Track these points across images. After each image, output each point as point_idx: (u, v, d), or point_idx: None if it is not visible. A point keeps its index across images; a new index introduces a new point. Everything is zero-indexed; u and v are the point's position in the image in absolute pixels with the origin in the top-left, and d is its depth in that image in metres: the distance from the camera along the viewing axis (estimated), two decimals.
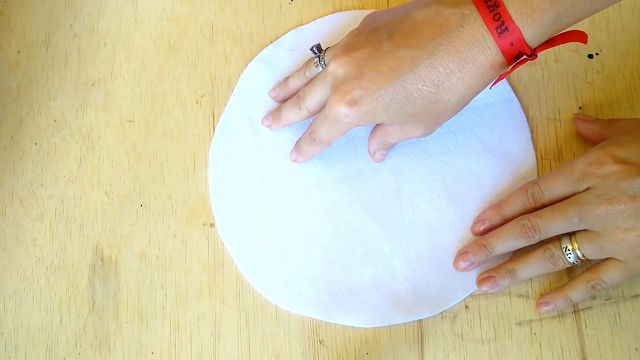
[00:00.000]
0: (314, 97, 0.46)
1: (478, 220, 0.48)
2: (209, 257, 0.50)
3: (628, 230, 0.42)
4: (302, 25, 0.54)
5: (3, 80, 0.54)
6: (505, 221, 0.46)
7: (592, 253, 0.44)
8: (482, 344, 0.46)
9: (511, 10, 0.39)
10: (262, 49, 0.53)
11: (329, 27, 0.53)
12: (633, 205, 0.41)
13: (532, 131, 0.50)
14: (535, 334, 0.46)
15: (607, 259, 0.44)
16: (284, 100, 0.50)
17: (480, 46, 0.40)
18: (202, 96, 0.53)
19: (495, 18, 0.39)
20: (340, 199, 0.50)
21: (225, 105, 0.52)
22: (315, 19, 0.54)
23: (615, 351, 0.46)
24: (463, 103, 0.43)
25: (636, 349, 0.45)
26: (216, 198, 0.50)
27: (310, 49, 0.48)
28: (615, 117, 0.49)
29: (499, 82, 0.42)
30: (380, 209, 0.49)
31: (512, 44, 0.39)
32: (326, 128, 0.46)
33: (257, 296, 0.49)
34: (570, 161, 0.45)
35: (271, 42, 0.53)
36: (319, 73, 0.47)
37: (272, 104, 0.52)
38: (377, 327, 0.47)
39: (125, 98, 0.53)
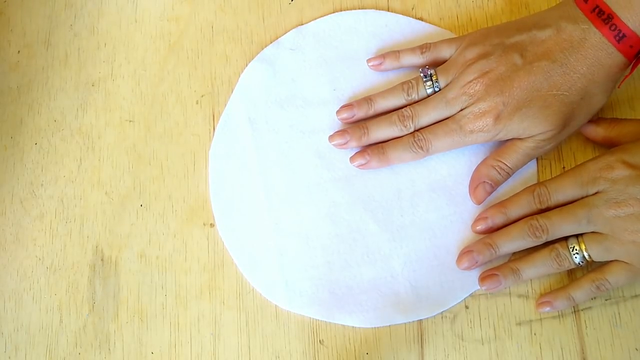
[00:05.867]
0: (431, 116, 0.47)
1: (480, 217, 0.48)
2: (209, 257, 0.50)
3: (636, 233, 0.42)
4: (302, 25, 0.54)
5: (3, 80, 0.54)
6: (509, 221, 0.46)
7: (599, 254, 0.44)
8: (482, 344, 0.46)
9: (624, 18, 0.43)
10: (262, 49, 0.53)
11: (329, 27, 0.53)
12: None
13: None
14: (535, 334, 0.46)
15: (612, 260, 0.44)
16: (356, 121, 0.50)
17: (604, 52, 0.44)
18: (202, 96, 0.53)
19: (612, 28, 0.43)
20: (340, 199, 0.50)
21: (225, 105, 0.52)
22: (315, 18, 0.54)
23: (615, 351, 0.46)
24: (594, 103, 0.46)
25: (636, 349, 0.45)
26: (216, 198, 0.50)
27: (420, 71, 0.48)
28: (614, 117, 0.49)
29: (625, 80, 0.46)
30: (380, 209, 0.49)
31: (631, 46, 0.44)
32: (449, 139, 0.47)
33: (257, 296, 0.49)
34: (578, 165, 0.46)
35: (271, 42, 0.53)
36: (438, 93, 0.48)
37: (273, 104, 0.52)
38: (377, 327, 0.47)
39: (125, 98, 0.53)
